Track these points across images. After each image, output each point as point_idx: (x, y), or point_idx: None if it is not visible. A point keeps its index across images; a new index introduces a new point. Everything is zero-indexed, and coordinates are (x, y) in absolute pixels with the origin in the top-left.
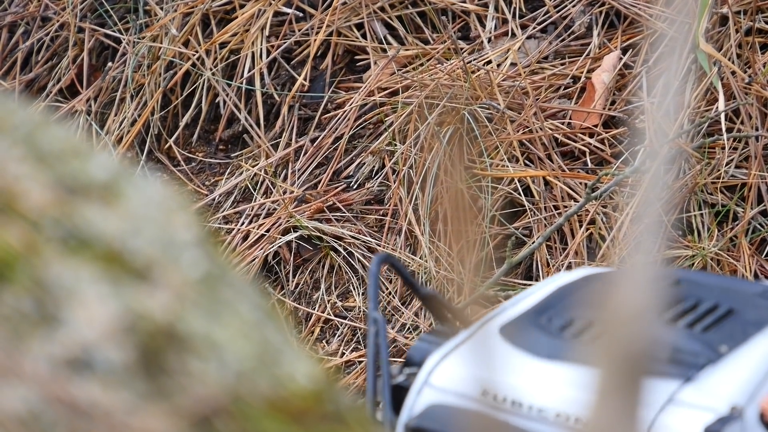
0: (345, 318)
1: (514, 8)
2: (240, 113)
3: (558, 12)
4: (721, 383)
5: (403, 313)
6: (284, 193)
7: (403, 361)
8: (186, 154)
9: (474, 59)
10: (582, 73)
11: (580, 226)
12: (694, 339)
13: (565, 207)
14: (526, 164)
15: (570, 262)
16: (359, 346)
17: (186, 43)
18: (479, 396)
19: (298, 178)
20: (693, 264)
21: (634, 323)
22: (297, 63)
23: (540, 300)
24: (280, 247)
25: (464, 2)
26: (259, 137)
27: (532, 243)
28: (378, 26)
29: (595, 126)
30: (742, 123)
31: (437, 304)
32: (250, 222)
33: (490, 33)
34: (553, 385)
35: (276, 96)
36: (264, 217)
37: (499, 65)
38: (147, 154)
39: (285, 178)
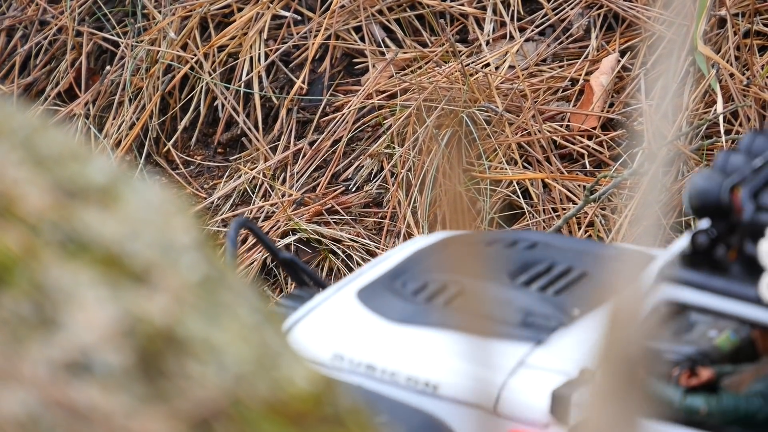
0: None
1: (512, 11)
2: (238, 116)
3: (556, 15)
4: (572, 346)
5: None
6: (283, 196)
7: None
8: (184, 158)
9: (472, 62)
10: (580, 75)
11: (579, 228)
12: (547, 302)
13: (564, 209)
14: (524, 167)
15: None
16: None
17: (184, 47)
18: (332, 360)
19: (297, 181)
20: None
21: (631, 328)
22: (295, 66)
23: (396, 264)
24: (278, 249)
25: (462, 5)
26: (258, 140)
27: None
28: (376, 29)
29: (594, 128)
30: (740, 125)
31: (296, 268)
32: None
33: (488, 36)
34: (405, 348)
35: (274, 99)
36: (263, 220)
37: (497, 68)
38: (145, 158)
39: (283, 181)
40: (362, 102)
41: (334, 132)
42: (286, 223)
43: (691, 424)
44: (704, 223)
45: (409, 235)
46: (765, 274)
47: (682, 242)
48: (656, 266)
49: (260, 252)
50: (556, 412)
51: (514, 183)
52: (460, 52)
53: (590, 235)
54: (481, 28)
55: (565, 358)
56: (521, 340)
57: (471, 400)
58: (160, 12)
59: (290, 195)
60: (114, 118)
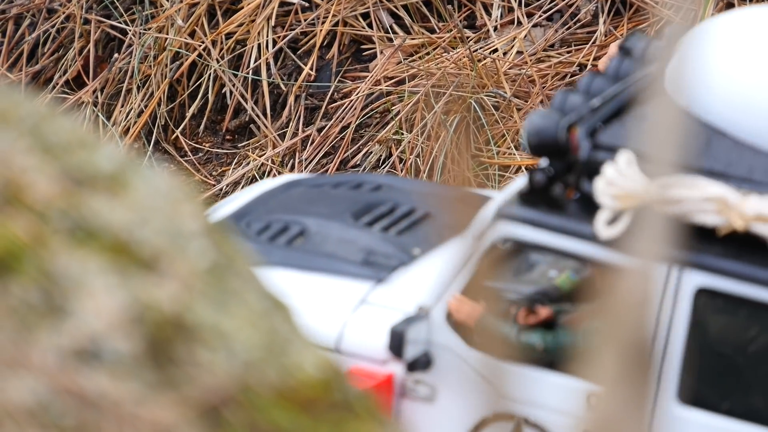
0: None
1: None
2: (246, 103)
3: (564, 0)
4: (411, 285)
5: None
6: None
7: None
8: (193, 145)
9: (480, 48)
10: (588, 60)
11: None
12: (389, 242)
13: None
14: None
15: None
16: None
17: (192, 34)
18: None
19: (305, 168)
20: None
21: (639, 313)
22: (303, 53)
23: (241, 206)
24: None
25: None
26: (266, 127)
27: None
28: (384, 15)
29: None
30: None
31: None
32: None
33: (496, 21)
34: None
35: (282, 86)
36: None
37: (505, 53)
38: (154, 145)
39: (292, 168)
40: (370, 88)
41: (343, 118)
42: None
43: (529, 360)
44: (543, 162)
45: None
46: (601, 212)
47: (521, 181)
48: (494, 205)
49: None
50: (392, 348)
51: (523, 168)
52: (468, 37)
53: None
54: (489, 14)
55: (404, 295)
56: (363, 279)
57: (313, 339)
58: None
59: None
60: (122, 106)
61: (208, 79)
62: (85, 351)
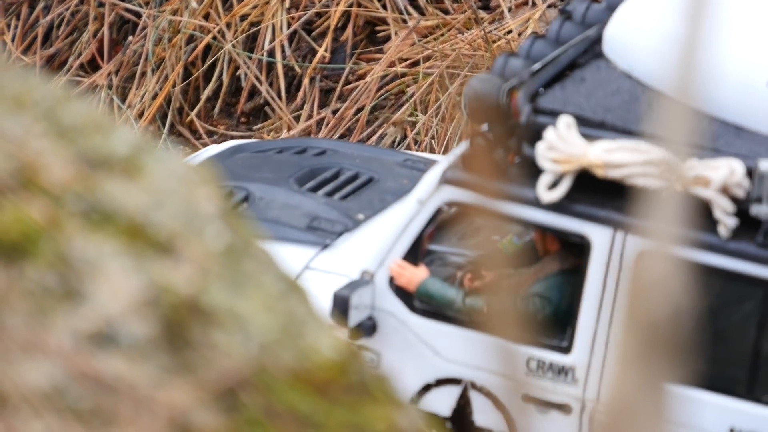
0: None
1: None
2: (261, 86)
3: None
4: (355, 250)
5: None
6: None
7: None
8: (208, 127)
9: (494, 29)
10: None
11: None
12: (333, 207)
13: None
14: None
15: None
16: None
17: (206, 16)
18: None
19: None
20: None
21: (657, 293)
22: (318, 35)
23: None
24: None
25: None
26: (281, 109)
27: None
28: None
29: None
30: None
31: None
32: None
33: (511, 2)
34: None
35: (297, 68)
36: None
37: (519, 35)
38: (169, 128)
39: None
40: (385, 70)
41: (357, 100)
42: None
43: (474, 324)
44: (484, 126)
45: None
46: (542, 176)
47: (463, 145)
48: (438, 169)
49: None
50: (335, 314)
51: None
52: (482, 18)
53: None
54: None
55: (348, 261)
56: (307, 244)
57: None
58: None
59: None
60: (137, 89)
61: (223, 61)
62: (101, 334)
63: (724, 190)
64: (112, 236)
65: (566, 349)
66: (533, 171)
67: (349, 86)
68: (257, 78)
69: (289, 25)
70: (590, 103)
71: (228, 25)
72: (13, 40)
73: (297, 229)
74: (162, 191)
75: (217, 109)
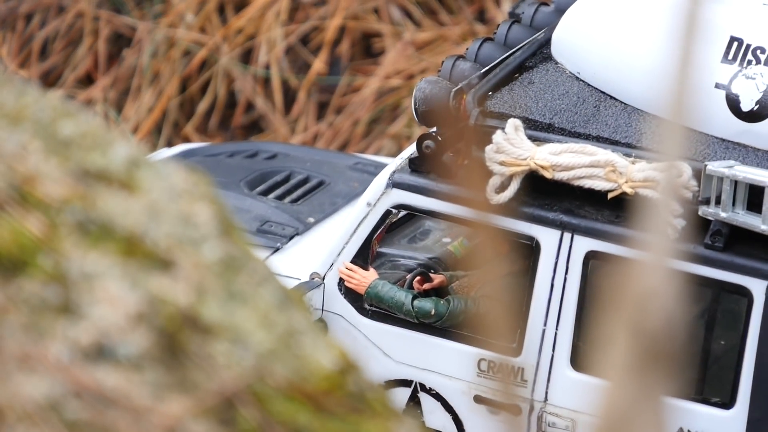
0: None
1: None
2: (257, 98)
3: None
4: (306, 253)
5: None
6: None
7: None
8: (204, 141)
9: None
10: None
11: None
12: (283, 211)
13: None
14: None
15: None
16: None
17: (202, 30)
18: None
19: None
20: None
21: (650, 304)
22: (313, 47)
23: None
24: None
25: None
26: (277, 122)
27: None
28: (394, 10)
29: None
30: None
31: None
32: None
33: (506, 15)
34: None
35: (293, 80)
36: None
37: None
38: (165, 141)
39: None
40: (381, 83)
41: (353, 113)
42: None
43: (424, 326)
44: (432, 129)
45: None
46: (492, 178)
47: (412, 148)
48: (387, 172)
49: None
50: None
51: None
52: (477, 31)
53: None
54: (499, 7)
55: (298, 264)
56: (258, 248)
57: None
58: None
59: None
60: (133, 102)
61: (219, 74)
62: (98, 347)
63: (672, 192)
64: (109, 250)
65: (515, 351)
66: (482, 173)
67: (344, 99)
68: (253, 91)
69: (285, 38)
70: (538, 105)
71: (224, 39)
72: (9, 54)
73: (248, 232)
74: (159, 205)
75: (213, 122)
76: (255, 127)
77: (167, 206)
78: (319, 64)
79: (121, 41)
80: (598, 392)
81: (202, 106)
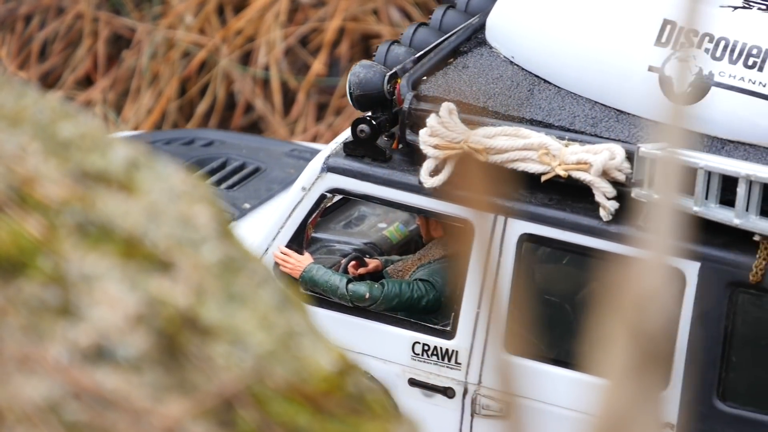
0: None
1: None
2: (257, 100)
3: None
4: (242, 238)
5: None
6: None
7: None
8: None
9: None
10: None
11: None
12: (220, 197)
13: None
14: None
15: None
16: None
17: (201, 31)
18: None
19: None
20: None
21: (648, 306)
22: (313, 49)
23: None
24: None
25: None
26: (276, 123)
27: None
28: (393, 11)
29: None
30: None
31: None
32: None
33: None
34: None
35: (292, 82)
36: None
37: None
38: None
39: None
40: None
41: (352, 114)
42: None
43: (359, 310)
44: (367, 113)
45: None
46: (425, 162)
47: (346, 132)
48: (321, 157)
49: None
50: None
51: None
52: None
53: None
54: None
55: None
56: None
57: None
58: None
59: None
60: (132, 103)
61: (218, 76)
62: (98, 349)
63: (605, 174)
64: (108, 252)
65: (449, 334)
66: (416, 157)
67: (344, 100)
68: (252, 92)
69: (285, 39)
70: (473, 89)
71: (223, 40)
72: (8, 55)
73: None
74: (158, 207)
75: (212, 123)
76: (254, 128)
77: (167, 208)
78: (318, 66)
79: (120, 42)
80: (598, 392)
81: (202, 107)
